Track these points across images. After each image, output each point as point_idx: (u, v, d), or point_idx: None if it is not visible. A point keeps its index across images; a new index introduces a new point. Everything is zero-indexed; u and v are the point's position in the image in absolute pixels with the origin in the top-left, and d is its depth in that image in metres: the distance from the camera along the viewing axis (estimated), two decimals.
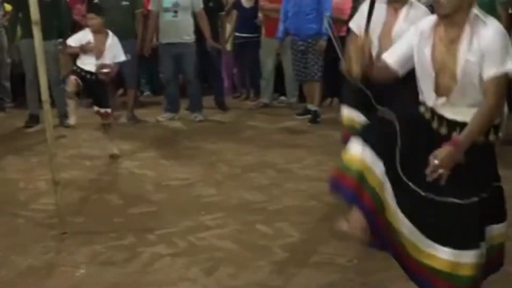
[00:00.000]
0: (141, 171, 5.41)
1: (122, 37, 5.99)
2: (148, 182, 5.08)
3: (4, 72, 8.11)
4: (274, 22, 7.67)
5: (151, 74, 9.02)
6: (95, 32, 5.70)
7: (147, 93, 9.15)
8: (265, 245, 3.77)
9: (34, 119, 7.12)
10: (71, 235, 3.92)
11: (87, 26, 5.80)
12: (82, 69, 5.57)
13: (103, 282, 3.34)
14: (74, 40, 5.76)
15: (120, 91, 8.30)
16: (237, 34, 8.51)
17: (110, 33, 5.74)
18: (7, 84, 8.20)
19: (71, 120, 5.82)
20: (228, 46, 8.70)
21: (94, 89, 5.68)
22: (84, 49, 5.58)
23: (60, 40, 6.93)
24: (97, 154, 5.96)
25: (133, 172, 5.40)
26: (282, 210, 4.40)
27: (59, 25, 7.04)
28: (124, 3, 7.19)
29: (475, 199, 2.54)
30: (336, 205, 4.22)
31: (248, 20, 8.32)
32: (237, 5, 8.44)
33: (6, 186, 5.12)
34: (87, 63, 5.57)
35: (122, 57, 5.79)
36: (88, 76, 5.54)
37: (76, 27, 7.26)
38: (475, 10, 2.52)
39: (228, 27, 8.63)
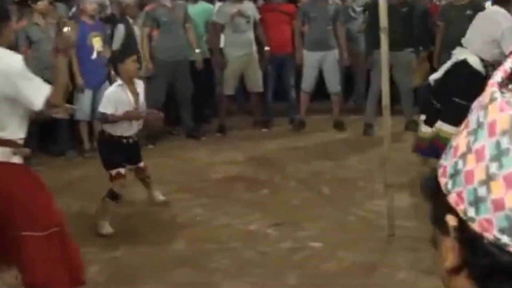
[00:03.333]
0: None
1: None
2: None
3: None
4: None
5: None
6: (131, 80, 4.33)
7: None
8: None
9: None
10: (397, 238, 3.97)
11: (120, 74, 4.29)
12: (121, 137, 4.36)
13: None
14: (111, 105, 4.23)
15: None
16: None
17: None
18: None
19: (107, 229, 4.33)
20: None
21: (129, 151, 4.45)
22: (130, 117, 4.30)
23: None
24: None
25: None
26: None
27: None
28: None
29: None
30: None
31: None
32: None
33: (345, 185, 5.18)
34: (126, 127, 4.34)
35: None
36: (125, 141, 4.39)
37: None
38: None
39: None
